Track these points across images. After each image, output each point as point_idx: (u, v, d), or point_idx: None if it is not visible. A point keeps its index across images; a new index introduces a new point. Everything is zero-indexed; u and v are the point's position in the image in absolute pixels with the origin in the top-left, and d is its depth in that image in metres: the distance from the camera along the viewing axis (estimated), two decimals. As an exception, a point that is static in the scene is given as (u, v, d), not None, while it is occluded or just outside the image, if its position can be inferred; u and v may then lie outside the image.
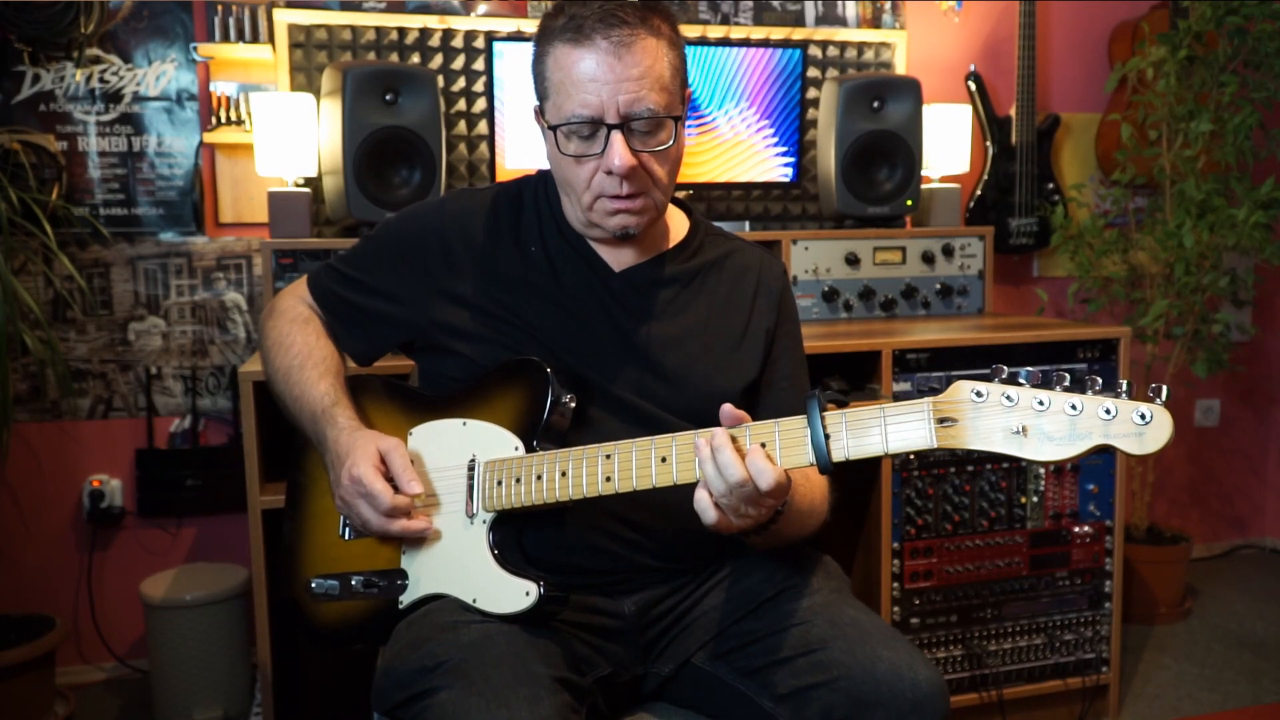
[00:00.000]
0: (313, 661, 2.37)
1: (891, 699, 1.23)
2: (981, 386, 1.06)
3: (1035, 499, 2.42)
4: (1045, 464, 1.04)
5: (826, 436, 1.12)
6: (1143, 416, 0.99)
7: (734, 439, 1.16)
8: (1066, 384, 1.03)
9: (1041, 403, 1.02)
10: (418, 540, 1.37)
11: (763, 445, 1.16)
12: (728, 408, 1.18)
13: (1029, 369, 1.05)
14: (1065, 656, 2.47)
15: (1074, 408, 1.01)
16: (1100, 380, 1.02)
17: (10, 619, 2.52)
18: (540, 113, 1.38)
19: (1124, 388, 1.01)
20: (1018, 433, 1.03)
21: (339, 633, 1.46)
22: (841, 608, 1.35)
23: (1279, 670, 2.84)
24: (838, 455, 1.12)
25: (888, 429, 1.10)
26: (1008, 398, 1.04)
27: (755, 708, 1.33)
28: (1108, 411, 1.00)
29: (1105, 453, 1.02)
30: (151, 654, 2.59)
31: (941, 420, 1.07)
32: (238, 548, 2.80)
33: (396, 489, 1.32)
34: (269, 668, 2.08)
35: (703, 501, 1.17)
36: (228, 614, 2.58)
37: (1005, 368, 1.06)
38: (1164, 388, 0.99)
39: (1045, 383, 1.04)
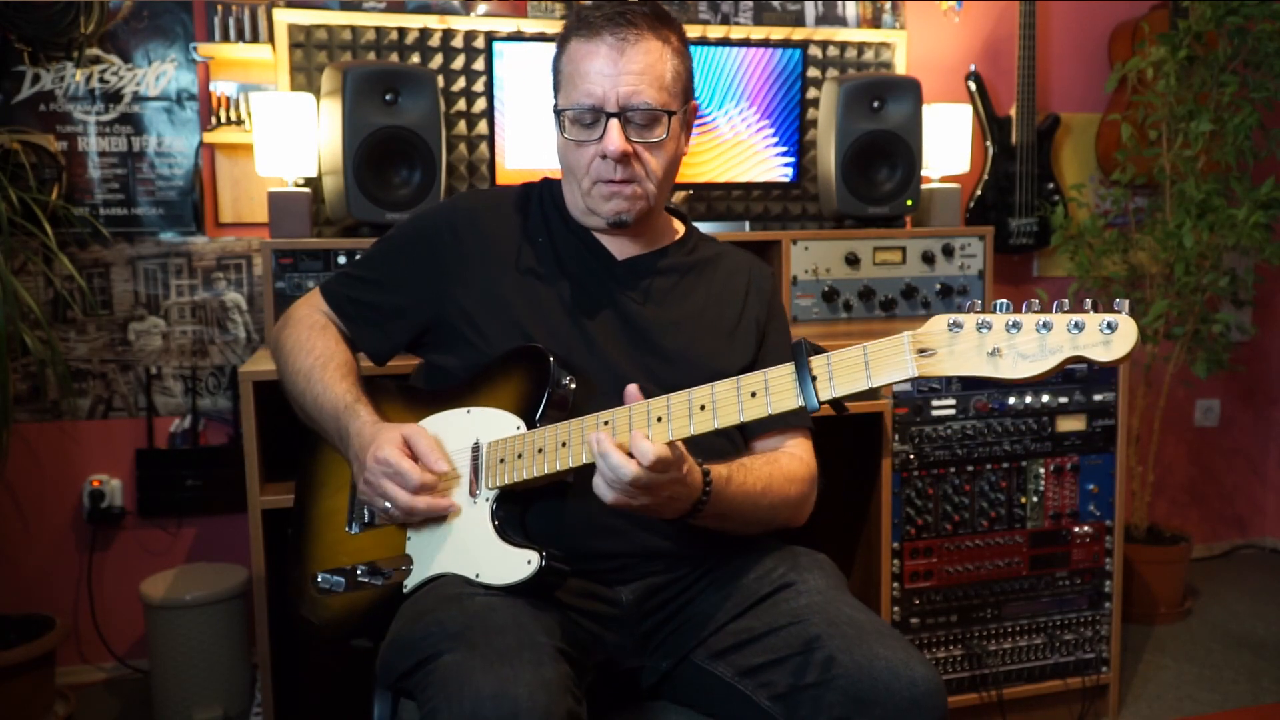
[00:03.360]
0: (313, 661, 2.37)
1: (889, 697, 1.23)
2: (958, 317, 1.10)
3: (1035, 499, 2.42)
4: (1020, 381, 1.08)
5: (813, 378, 1.17)
6: (1109, 325, 1.03)
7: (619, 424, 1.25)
8: (1036, 308, 1.08)
9: (1014, 325, 1.07)
10: (425, 524, 1.39)
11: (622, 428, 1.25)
12: (631, 389, 1.28)
13: (1004, 300, 1.09)
14: (1065, 656, 2.47)
15: (1044, 326, 1.05)
16: (1068, 303, 1.07)
17: (10, 619, 2.52)
18: (555, 104, 1.49)
19: (1089, 305, 1.05)
20: (992, 354, 1.07)
21: (344, 627, 1.47)
22: (839, 606, 1.36)
23: (1279, 670, 2.83)
24: (824, 394, 1.17)
25: (870, 364, 1.14)
26: (982, 324, 1.08)
27: (753, 706, 1.34)
28: (1076, 325, 1.04)
29: (1077, 364, 1.06)
30: (151, 654, 2.59)
31: (921, 351, 1.11)
32: (238, 548, 2.80)
33: None
34: (269, 668, 2.08)
35: (598, 485, 1.24)
36: (228, 614, 2.59)
37: (979, 302, 1.11)
38: (1126, 302, 1.04)
39: (1017, 310, 1.08)
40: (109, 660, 2.83)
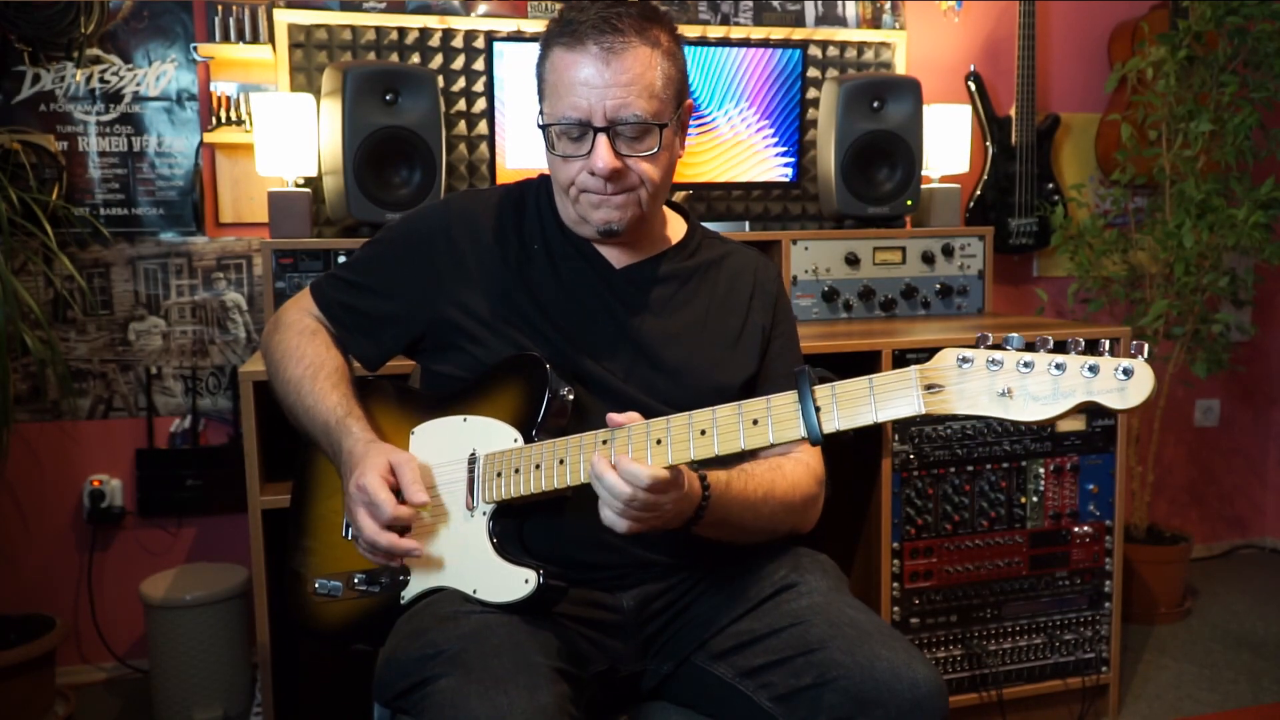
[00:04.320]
0: (313, 661, 2.37)
1: (890, 698, 1.23)
2: (967, 352, 1.07)
3: (1035, 499, 2.42)
4: (1030, 424, 1.06)
5: (817, 409, 1.14)
6: (1125, 372, 1.00)
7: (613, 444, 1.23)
8: (1050, 347, 1.05)
9: (1026, 364, 1.04)
10: (422, 536, 1.37)
11: (604, 444, 1.23)
12: (611, 416, 1.25)
13: (1016, 335, 1.06)
14: (1065, 656, 2.47)
15: (1058, 367, 1.03)
16: (1082, 342, 1.04)
17: (10, 619, 2.52)
18: (540, 113, 1.42)
19: (1105, 347, 1.02)
20: (1003, 394, 1.05)
21: (341, 633, 1.47)
22: (840, 607, 1.36)
23: (1279, 670, 2.84)
24: (828, 427, 1.14)
25: (876, 398, 1.12)
26: (993, 362, 1.05)
27: (754, 707, 1.33)
28: (1091, 369, 1.01)
29: (1089, 410, 1.04)
30: (151, 654, 2.59)
31: (929, 387, 1.09)
32: (238, 548, 2.80)
33: (402, 502, 1.32)
34: (269, 668, 2.08)
35: (608, 517, 1.22)
36: (228, 614, 2.59)
37: (990, 335, 1.07)
38: (1145, 345, 1.01)
39: (1029, 347, 1.06)
40: (109, 660, 2.83)
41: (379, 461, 1.33)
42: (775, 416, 1.17)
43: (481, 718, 1.12)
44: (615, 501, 1.20)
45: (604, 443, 1.25)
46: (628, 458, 1.19)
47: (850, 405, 1.13)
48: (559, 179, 1.42)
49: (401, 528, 1.32)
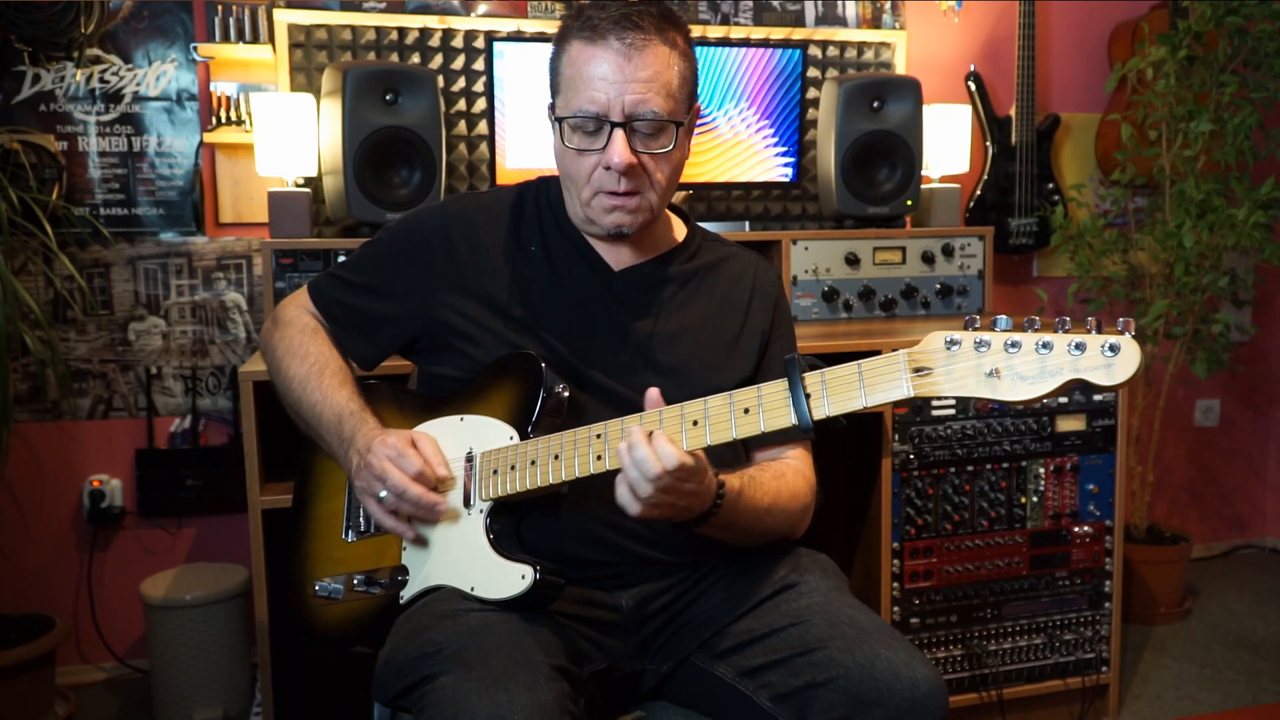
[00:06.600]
0: (313, 661, 2.37)
1: (890, 698, 1.23)
2: (955, 334, 1.07)
3: (1035, 499, 2.42)
4: (1018, 403, 1.06)
5: (807, 396, 1.15)
6: (1111, 348, 1.00)
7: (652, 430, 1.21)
8: (1037, 327, 1.05)
9: (1013, 344, 1.04)
10: (418, 536, 1.38)
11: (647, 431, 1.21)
12: (653, 393, 1.24)
13: (1004, 316, 1.07)
14: (1065, 656, 2.47)
15: (1044, 346, 1.03)
16: (1069, 321, 1.04)
17: (10, 619, 2.52)
18: (551, 106, 1.43)
19: (1093, 325, 1.02)
20: (990, 375, 1.05)
21: (342, 634, 1.47)
22: (840, 607, 1.36)
23: (1279, 670, 2.84)
24: (819, 413, 1.15)
25: (865, 383, 1.12)
26: (980, 343, 1.06)
27: (754, 707, 1.33)
28: (1077, 347, 1.01)
29: (1078, 387, 1.04)
30: (151, 654, 2.59)
31: (917, 370, 1.09)
32: (238, 548, 2.80)
33: None
34: (269, 668, 2.08)
35: (623, 495, 1.21)
36: (228, 614, 2.59)
37: (978, 317, 1.08)
38: (1131, 321, 1.01)
39: (1017, 328, 1.06)
40: (109, 660, 2.83)
41: (403, 432, 1.37)
42: (766, 405, 1.18)
43: (481, 715, 1.12)
44: (643, 481, 1.18)
45: (598, 436, 1.26)
46: (663, 436, 1.18)
47: (840, 391, 1.14)
48: (570, 174, 1.42)
49: (429, 485, 1.34)
